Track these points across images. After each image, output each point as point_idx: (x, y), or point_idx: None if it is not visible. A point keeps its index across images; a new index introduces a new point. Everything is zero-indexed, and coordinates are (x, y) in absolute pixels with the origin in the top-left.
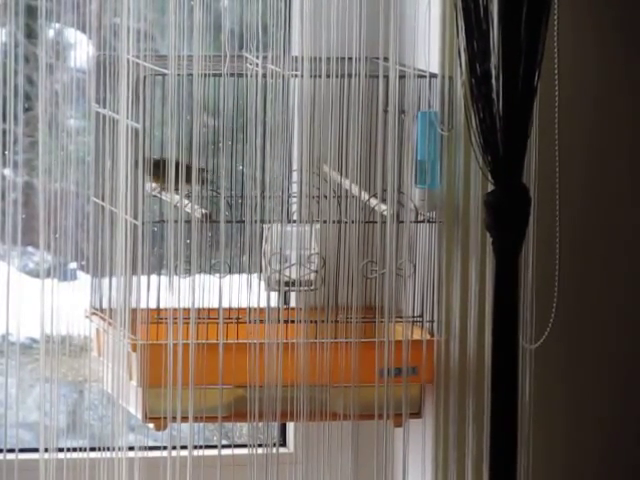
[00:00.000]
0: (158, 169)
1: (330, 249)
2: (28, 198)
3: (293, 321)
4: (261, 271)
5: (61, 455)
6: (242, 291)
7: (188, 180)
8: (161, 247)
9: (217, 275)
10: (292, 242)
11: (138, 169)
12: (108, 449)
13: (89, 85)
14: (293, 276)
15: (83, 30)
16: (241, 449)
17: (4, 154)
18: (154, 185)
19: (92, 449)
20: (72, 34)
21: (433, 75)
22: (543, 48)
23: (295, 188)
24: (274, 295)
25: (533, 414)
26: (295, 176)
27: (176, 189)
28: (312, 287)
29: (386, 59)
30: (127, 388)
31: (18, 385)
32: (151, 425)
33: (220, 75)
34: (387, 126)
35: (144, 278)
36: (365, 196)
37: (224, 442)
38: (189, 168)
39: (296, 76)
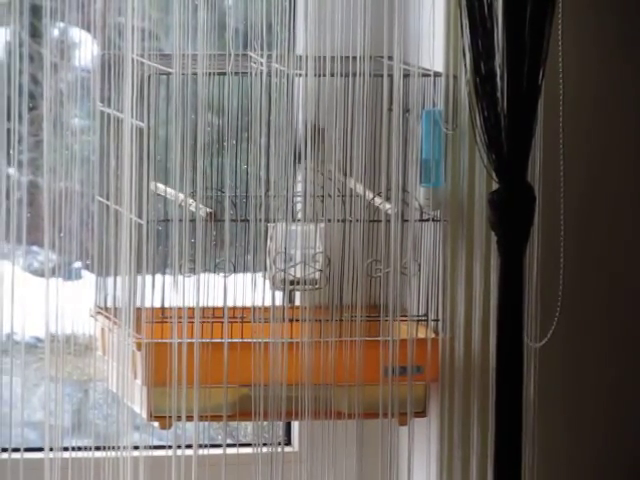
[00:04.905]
0: None
1: (335, 248)
2: (33, 197)
3: (298, 320)
4: (266, 270)
5: (66, 454)
6: (247, 290)
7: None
8: (166, 246)
9: (222, 274)
10: (297, 241)
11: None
12: (113, 448)
13: (94, 84)
14: (298, 275)
15: (88, 29)
16: (246, 448)
17: (9, 153)
18: None
19: (97, 448)
20: (77, 33)
21: (437, 74)
22: (547, 47)
23: (300, 187)
24: (279, 294)
25: (538, 412)
26: (299, 175)
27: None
28: (317, 286)
29: (390, 58)
30: (132, 387)
31: (23, 384)
32: (156, 424)
33: (224, 74)
34: (391, 125)
35: (149, 277)
36: (369, 195)
37: (229, 441)
38: None
39: (300, 75)
